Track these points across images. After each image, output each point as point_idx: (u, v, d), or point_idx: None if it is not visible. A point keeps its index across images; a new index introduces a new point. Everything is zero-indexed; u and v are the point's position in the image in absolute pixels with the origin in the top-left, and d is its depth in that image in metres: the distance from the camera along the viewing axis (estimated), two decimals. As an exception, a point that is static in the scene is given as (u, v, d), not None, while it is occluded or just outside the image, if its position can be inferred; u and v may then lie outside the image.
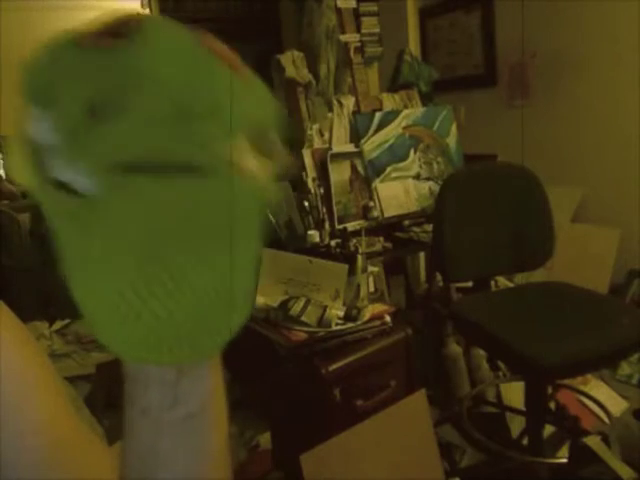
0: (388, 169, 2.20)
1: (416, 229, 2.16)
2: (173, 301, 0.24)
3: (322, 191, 2.01)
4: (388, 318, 1.57)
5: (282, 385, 1.51)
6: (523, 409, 1.74)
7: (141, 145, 0.23)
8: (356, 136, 2.17)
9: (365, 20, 2.34)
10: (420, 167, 2.29)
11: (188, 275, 0.24)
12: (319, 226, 1.93)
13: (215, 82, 0.24)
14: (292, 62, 2.09)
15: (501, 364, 2.11)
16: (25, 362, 0.38)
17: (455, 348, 2.10)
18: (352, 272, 1.57)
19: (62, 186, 0.23)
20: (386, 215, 2.15)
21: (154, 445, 0.33)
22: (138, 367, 0.31)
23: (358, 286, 1.58)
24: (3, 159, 4.11)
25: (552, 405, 1.89)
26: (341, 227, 2.00)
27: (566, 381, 1.95)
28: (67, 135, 0.23)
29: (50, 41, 0.24)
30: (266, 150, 0.26)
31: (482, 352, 2.10)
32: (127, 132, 0.22)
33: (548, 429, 1.77)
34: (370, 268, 1.72)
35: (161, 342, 0.25)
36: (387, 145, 2.22)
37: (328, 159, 2.05)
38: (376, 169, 2.17)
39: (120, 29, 0.23)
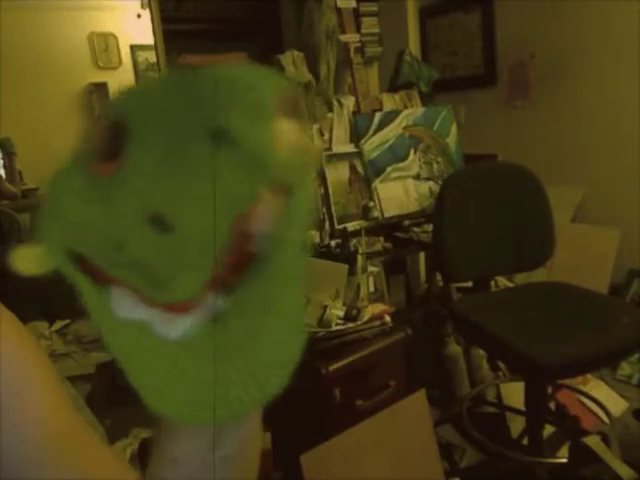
0: (388, 169, 2.20)
1: (416, 229, 2.16)
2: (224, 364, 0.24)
3: (322, 191, 2.01)
4: (388, 318, 1.57)
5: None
6: (523, 409, 1.74)
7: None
8: (356, 136, 2.17)
9: (365, 20, 2.34)
10: (420, 167, 2.29)
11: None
12: (319, 226, 1.93)
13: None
14: (292, 62, 2.09)
15: (501, 364, 2.11)
16: (25, 359, 0.38)
17: (455, 348, 2.10)
18: (352, 272, 1.58)
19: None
20: (386, 215, 2.15)
21: None
22: (174, 422, 0.30)
23: (358, 286, 1.58)
24: (3, 159, 4.11)
25: (552, 405, 1.89)
26: (341, 227, 2.00)
27: (566, 381, 1.95)
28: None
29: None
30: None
31: (482, 352, 2.10)
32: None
33: (548, 429, 1.77)
34: (370, 268, 1.72)
35: (207, 402, 0.25)
36: (387, 145, 2.22)
37: (323, 160, 2.04)
38: (376, 169, 2.17)
39: (108, 150, 0.22)
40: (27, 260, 0.23)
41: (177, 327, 0.23)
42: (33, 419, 0.36)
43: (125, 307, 0.23)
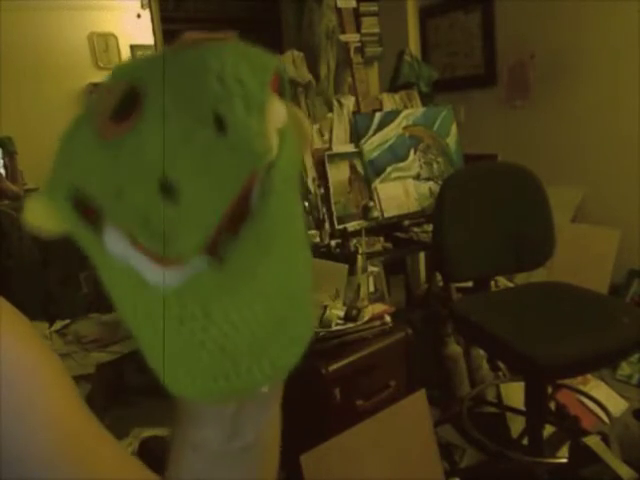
0: (388, 169, 2.20)
1: (416, 229, 2.16)
2: (236, 328, 0.24)
3: (322, 191, 2.01)
4: (388, 318, 1.57)
5: (282, 385, 1.51)
6: (523, 409, 1.74)
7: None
8: (356, 136, 2.17)
9: (365, 20, 2.34)
10: (420, 167, 2.29)
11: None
12: (319, 226, 1.93)
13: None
14: (292, 62, 2.09)
15: (501, 364, 2.11)
16: (35, 359, 0.37)
17: (455, 348, 2.10)
18: (352, 272, 1.58)
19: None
20: (386, 215, 2.15)
21: (206, 476, 0.32)
22: (195, 405, 0.30)
23: (358, 286, 1.58)
24: (3, 158, 4.11)
25: (552, 405, 1.89)
26: (341, 227, 2.00)
27: (566, 381, 1.95)
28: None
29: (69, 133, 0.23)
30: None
31: (482, 352, 2.10)
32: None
33: (548, 429, 1.77)
34: (370, 268, 1.72)
35: (221, 370, 0.24)
36: (387, 145, 2.22)
37: (326, 160, 2.05)
38: (376, 169, 2.17)
39: (122, 111, 0.22)
40: (37, 213, 0.23)
41: (165, 278, 0.23)
42: (45, 421, 0.36)
43: (115, 247, 0.23)
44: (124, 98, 0.22)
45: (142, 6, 4.42)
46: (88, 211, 0.23)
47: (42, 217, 0.23)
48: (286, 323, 0.26)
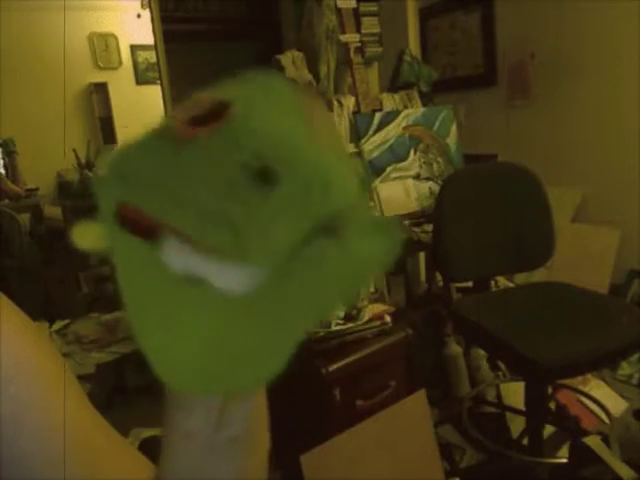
0: (388, 169, 2.20)
1: (416, 229, 2.16)
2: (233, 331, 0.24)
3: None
4: (388, 318, 1.57)
5: (282, 385, 1.51)
6: (523, 409, 1.74)
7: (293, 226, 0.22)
8: (356, 136, 2.17)
9: (365, 20, 2.34)
10: (420, 167, 2.29)
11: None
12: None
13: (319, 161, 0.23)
14: (292, 62, 2.09)
15: (501, 364, 2.11)
16: (39, 361, 0.37)
17: (455, 348, 2.10)
18: (352, 272, 1.57)
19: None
20: (386, 215, 2.15)
21: (197, 468, 0.32)
22: (183, 395, 0.30)
23: (358, 286, 1.57)
24: (3, 159, 4.11)
25: (552, 405, 1.89)
26: (341, 227, 1.99)
27: (566, 381, 1.95)
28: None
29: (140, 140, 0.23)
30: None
31: (482, 352, 2.10)
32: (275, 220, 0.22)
33: (548, 429, 1.77)
34: (370, 268, 1.72)
35: (214, 371, 0.25)
36: (387, 145, 2.22)
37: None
38: (376, 169, 2.17)
39: (209, 114, 0.23)
40: (86, 236, 0.24)
41: (234, 281, 0.23)
42: (50, 423, 0.36)
43: (175, 257, 0.23)
44: (210, 107, 0.23)
45: (142, 6, 4.42)
46: (138, 226, 0.23)
47: (91, 239, 0.24)
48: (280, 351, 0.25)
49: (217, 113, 0.22)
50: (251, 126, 0.22)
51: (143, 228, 0.23)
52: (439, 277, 2.21)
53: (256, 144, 0.22)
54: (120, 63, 4.82)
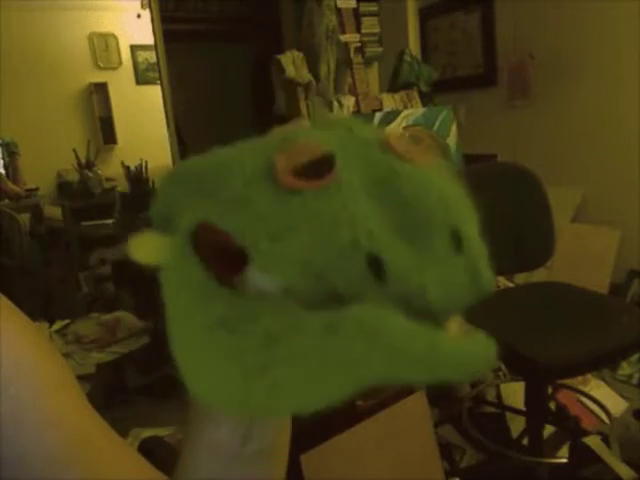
0: (388, 169, 2.20)
1: (416, 229, 2.16)
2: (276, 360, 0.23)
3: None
4: (388, 318, 1.57)
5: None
6: (523, 409, 1.74)
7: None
8: (356, 136, 2.17)
9: (365, 20, 2.34)
10: (420, 167, 2.29)
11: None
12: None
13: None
14: (292, 62, 2.09)
15: (501, 364, 2.11)
16: (39, 361, 0.37)
17: (455, 348, 2.10)
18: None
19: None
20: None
21: (220, 478, 0.32)
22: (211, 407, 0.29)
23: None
24: (4, 159, 4.11)
25: (552, 405, 1.89)
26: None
27: (566, 381, 1.95)
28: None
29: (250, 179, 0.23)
30: None
31: (482, 352, 2.09)
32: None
33: (548, 429, 1.77)
34: (370, 268, 1.72)
35: (252, 396, 0.24)
36: (387, 145, 2.21)
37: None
38: (376, 169, 2.17)
39: (313, 170, 0.23)
40: (146, 248, 0.23)
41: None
42: (49, 421, 0.36)
43: (260, 284, 0.22)
44: (316, 159, 0.23)
45: (142, 6, 4.42)
46: (219, 252, 0.22)
47: (151, 252, 0.23)
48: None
49: (321, 165, 0.23)
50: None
51: (223, 255, 0.22)
52: (439, 277, 2.20)
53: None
54: (120, 63, 4.81)
